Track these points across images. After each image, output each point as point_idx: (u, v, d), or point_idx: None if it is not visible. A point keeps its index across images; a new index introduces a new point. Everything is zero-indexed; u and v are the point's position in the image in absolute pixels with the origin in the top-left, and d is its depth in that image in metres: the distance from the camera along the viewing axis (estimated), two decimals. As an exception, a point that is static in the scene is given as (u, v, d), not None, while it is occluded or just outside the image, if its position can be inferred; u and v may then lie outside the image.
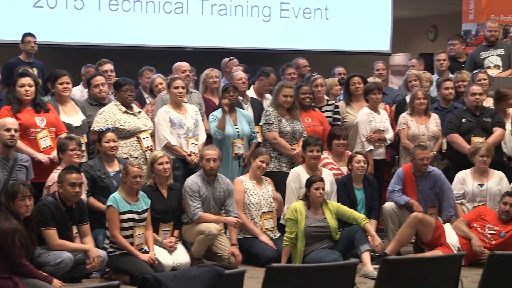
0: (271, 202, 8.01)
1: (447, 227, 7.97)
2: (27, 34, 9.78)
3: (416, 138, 8.74)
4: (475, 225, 7.94)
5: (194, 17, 11.95)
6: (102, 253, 6.92)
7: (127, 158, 7.81)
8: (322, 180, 7.66)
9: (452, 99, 9.15)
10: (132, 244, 7.07)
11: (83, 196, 7.19)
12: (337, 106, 9.07)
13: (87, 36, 11.48)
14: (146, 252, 7.14)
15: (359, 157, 8.13)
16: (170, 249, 7.42)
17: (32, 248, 6.55)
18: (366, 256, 7.35)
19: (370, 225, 7.61)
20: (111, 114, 7.93)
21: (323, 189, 7.60)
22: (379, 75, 10.10)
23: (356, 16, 12.87)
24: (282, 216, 8.06)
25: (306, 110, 8.73)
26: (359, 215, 7.64)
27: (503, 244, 7.76)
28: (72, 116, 7.95)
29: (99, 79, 8.32)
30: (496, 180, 8.31)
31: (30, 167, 7.22)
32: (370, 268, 7.24)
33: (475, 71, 9.57)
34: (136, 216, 7.11)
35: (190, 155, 8.10)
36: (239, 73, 9.04)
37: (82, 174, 7.14)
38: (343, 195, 8.10)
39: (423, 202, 8.17)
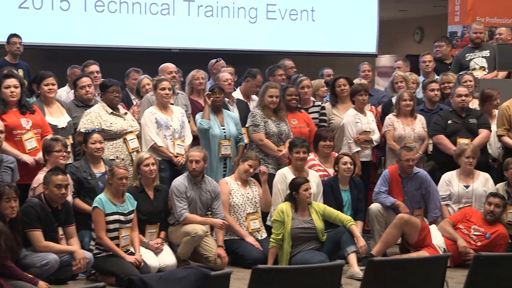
0: (256, 203, 8.01)
1: (433, 228, 7.99)
2: (13, 35, 9.75)
3: (402, 139, 8.76)
4: (460, 226, 7.97)
5: (181, 18, 11.96)
6: (88, 254, 6.90)
7: (113, 159, 7.79)
8: (308, 181, 7.68)
9: (438, 100, 9.17)
10: (118, 245, 7.05)
11: (69, 198, 7.16)
12: (323, 108, 9.08)
13: (73, 37, 11.47)
14: (132, 253, 7.13)
15: (346, 158, 8.15)
16: (156, 251, 7.41)
17: (18, 250, 6.52)
18: (353, 258, 7.36)
19: (356, 227, 7.62)
20: (97, 116, 7.91)
21: (310, 189, 7.63)
22: (364, 76, 10.11)
23: (343, 17, 12.90)
24: (268, 218, 8.06)
25: (293, 111, 8.73)
26: (345, 217, 7.65)
27: (489, 245, 7.80)
28: (58, 117, 7.93)
29: (85, 80, 8.29)
30: (482, 181, 8.34)
31: (15, 169, 7.19)
32: (356, 269, 7.26)
33: (460, 73, 9.60)
34: (122, 218, 7.10)
35: (177, 157, 8.09)
36: (224, 74, 9.04)
37: (68, 175, 7.11)
38: (329, 196, 8.11)
39: (409, 204, 8.19)
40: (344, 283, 6.28)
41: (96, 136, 7.56)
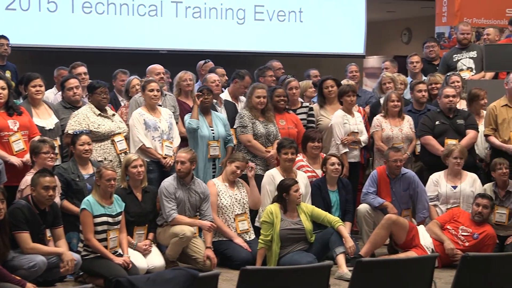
0: (245, 204, 8.01)
1: (421, 228, 8.01)
2: (0, 37, 9.71)
3: (390, 140, 8.78)
4: (448, 227, 7.99)
5: (169, 19, 11.95)
6: (76, 256, 6.87)
7: (101, 161, 7.78)
8: (297, 182, 7.69)
9: (426, 101, 9.20)
10: (106, 247, 7.03)
11: (57, 199, 7.14)
12: (311, 109, 9.09)
13: (60, 38, 11.44)
14: (120, 255, 7.11)
15: (333, 159, 8.15)
16: (145, 252, 7.40)
17: (5, 252, 6.50)
18: (341, 258, 7.38)
19: (344, 227, 7.63)
20: (85, 117, 7.89)
21: (299, 190, 7.65)
22: (352, 77, 10.12)
23: (330, 18, 12.92)
24: (257, 219, 8.07)
25: (281, 112, 8.74)
26: (333, 218, 7.66)
27: (476, 246, 7.82)
28: (45, 119, 7.90)
29: (73, 82, 8.26)
30: (469, 182, 8.37)
31: (3, 170, 7.17)
32: (345, 270, 7.27)
33: (448, 74, 9.63)
34: (110, 219, 7.08)
35: (165, 158, 8.08)
36: (212, 75, 9.04)
37: (56, 177, 7.09)
38: (317, 197, 8.12)
39: (397, 204, 8.21)
40: (332, 283, 6.29)
41: (84, 138, 7.54)
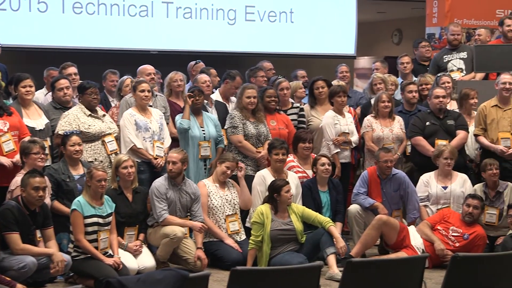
0: (235, 205, 8.01)
1: (412, 229, 8.02)
2: (-10, 37, 9.70)
3: (380, 140, 8.79)
4: (439, 227, 8.00)
5: (159, 20, 11.93)
6: (66, 257, 6.86)
7: (91, 161, 7.76)
8: (288, 183, 7.69)
9: (416, 102, 9.21)
10: (96, 248, 7.02)
11: (47, 200, 7.13)
12: (302, 109, 9.10)
13: (51, 39, 11.40)
14: (110, 256, 7.10)
15: (324, 159, 8.16)
16: (135, 253, 7.39)
17: (-5, 253, 6.50)
18: (332, 259, 7.38)
19: (335, 228, 7.64)
20: (76, 118, 7.87)
21: (291, 190, 7.65)
22: (342, 78, 10.14)
23: (321, 19, 12.92)
24: (248, 219, 8.07)
25: (272, 113, 8.74)
26: (323, 218, 7.67)
27: (467, 246, 7.84)
28: (35, 119, 7.88)
29: (63, 82, 8.24)
30: (460, 182, 8.39)
31: (-8, 171, 7.16)
32: (335, 270, 7.27)
33: (438, 75, 9.64)
34: (100, 220, 7.07)
35: (156, 159, 8.07)
36: (203, 76, 9.04)
37: (46, 177, 7.07)
38: (308, 198, 8.12)
39: (387, 205, 8.22)
40: (323, 284, 6.28)
41: (75, 138, 7.53)
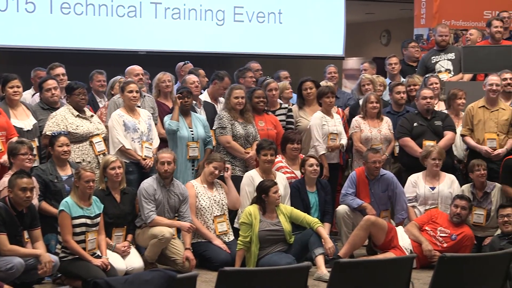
0: (223, 205, 8.01)
1: (400, 229, 8.04)
2: (-23, 38, 9.67)
3: (368, 141, 8.81)
4: (427, 228, 8.02)
5: (148, 20, 11.90)
6: (54, 258, 6.84)
7: (79, 162, 7.74)
8: (276, 183, 7.69)
9: (404, 103, 9.23)
10: (84, 249, 7.01)
11: (35, 201, 7.11)
12: (290, 110, 9.10)
13: (39, 39, 11.36)
14: (98, 257, 7.09)
15: (312, 160, 8.17)
16: (123, 254, 7.38)
17: (-18, 254, 6.47)
18: (320, 260, 7.38)
19: (323, 229, 7.65)
20: (63, 118, 7.86)
21: (279, 191, 7.65)
22: (330, 78, 10.15)
23: (310, 20, 12.92)
24: (236, 220, 8.06)
25: (260, 113, 8.75)
26: (312, 219, 7.67)
27: (455, 247, 7.86)
28: (23, 120, 7.86)
29: (51, 83, 8.22)
30: (448, 183, 8.41)
31: (-20, 172, 7.14)
32: (324, 271, 7.28)
33: (426, 75, 9.66)
34: (88, 221, 7.05)
35: (145, 159, 8.06)
36: (191, 76, 9.03)
37: (34, 178, 7.05)
38: (296, 198, 8.13)
39: (376, 205, 8.24)
40: (311, 285, 6.29)
41: (63, 139, 7.51)
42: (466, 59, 9.95)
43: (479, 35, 10.82)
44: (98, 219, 7.16)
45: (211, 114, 8.82)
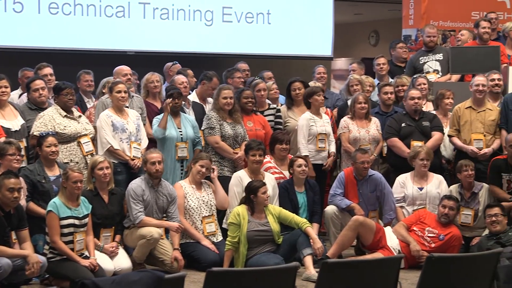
0: (212, 206, 8.00)
1: (388, 230, 8.05)
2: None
3: (357, 141, 8.82)
4: (415, 228, 8.04)
5: (136, 21, 11.88)
6: (42, 258, 6.81)
7: (67, 162, 7.72)
8: (265, 184, 7.69)
9: (392, 103, 9.25)
10: (72, 249, 6.99)
11: (22, 201, 7.09)
12: (279, 110, 9.11)
13: (26, 39, 11.32)
14: (87, 257, 7.07)
15: (300, 161, 8.17)
16: (111, 254, 7.36)
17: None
18: (308, 260, 7.38)
19: (311, 229, 7.65)
20: (51, 119, 7.84)
21: (267, 191, 7.65)
22: (319, 79, 10.15)
23: (298, 20, 12.92)
24: (224, 221, 8.06)
25: (248, 114, 8.75)
26: (300, 219, 7.67)
27: (442, 247, 7.88)
28: (11, 120, 7.84)
29: (39, 83, 8.20)
30: (435, 183, 8.43)
31: (-33, 173, 7.09)
32: (312, 271, 7.28)
33: (414, 76, 9.69)
34: (76, 222, 7.03)
35: (133, 160, 8.05)
36: (180, 77, 9.02)
37: (21, 179, 7.03)
38: (285, 199, 8.13)
39: (364, 206, 8.25)
40: (299, 285, 6.30)
41: (51, 139, 7.49)
42: (454, 60, 9.98)
43: (470, 36, 10.85)
44: (86, 220, 7.14)
45: (199, 114, 8.81)
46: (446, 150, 9.04)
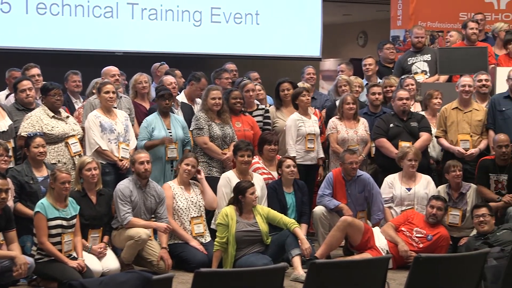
0: (200, 207, 8.00)
1: (376, 230, 8.07)
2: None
3: (345, 142, 8.83)
4: (403, 228, 8.05)
5: (124, 21, 11.85)
6: (29, 260, 6.80)
7: (55, 163, 7.71)
8: (253, 184, 7.69)
9: (380, 104, 9.26)
10: (60, 250, 6.97)
11: (10, 202, 7.07)
12: (267, 111, 9.11)
13: (14, 39, 11.27)
14: (75, 258, 7.05)
15: (289, 161, 8.17)
16: (100, 255, 7.35)
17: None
18: (297, 260, 7.39)
19: (300, 229, 7.65)
20: (39, 119, 7.81)
21: (256, 192, 7.65)
22: (309, 79, 10.16)
23: (287, 21, 12.93)
24: (213, 221, 8.06)
25: (237, 114, 8.75)
26: (288, 220, 7.68)
27: (431, 247, 7.90)
28: (-1, 121, 7.82)
29: (26, 83, 8.16)
30: (423, 184, 8.45)
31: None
32: (300, 272, 7.28)
33: (402, 77, 9.71)
34: (64, 223, 7.02)
35: (121, 160, 8.04)
36: (168, 77, 9.02)
37: (9, 179, 7.01)
38: (273, 199, 8.13)
39: (352, 206, 8.25)
40: (288, 285, 6.29)
41: (39, 140, 7.47)
42: (442, 61, 10.01)
43: (459, 37, 10.87)
44: (74, 221, 7.12)
45: (188, 115, 8.80)
46: (435, 151, 9.06)
